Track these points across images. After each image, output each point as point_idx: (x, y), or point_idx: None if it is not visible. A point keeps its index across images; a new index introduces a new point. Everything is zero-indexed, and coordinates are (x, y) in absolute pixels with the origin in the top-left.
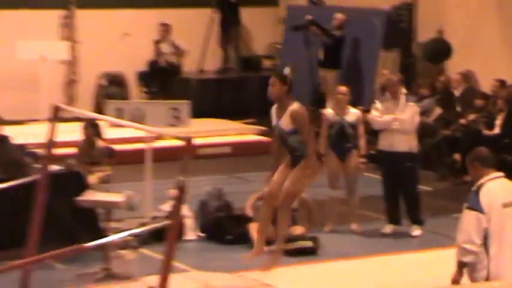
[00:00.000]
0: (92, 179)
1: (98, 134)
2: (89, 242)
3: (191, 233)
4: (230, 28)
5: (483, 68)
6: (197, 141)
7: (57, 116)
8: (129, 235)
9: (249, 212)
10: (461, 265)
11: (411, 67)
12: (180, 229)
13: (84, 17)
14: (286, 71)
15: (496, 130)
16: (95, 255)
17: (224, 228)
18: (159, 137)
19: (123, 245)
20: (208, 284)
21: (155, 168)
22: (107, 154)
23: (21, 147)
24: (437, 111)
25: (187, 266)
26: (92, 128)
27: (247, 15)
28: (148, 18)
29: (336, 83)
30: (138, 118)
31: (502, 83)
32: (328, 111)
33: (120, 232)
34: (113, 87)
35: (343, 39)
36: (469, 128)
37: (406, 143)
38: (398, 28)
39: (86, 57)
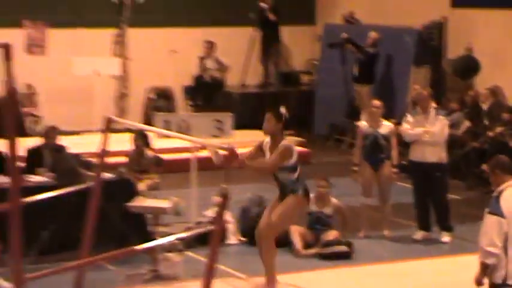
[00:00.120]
0: (141, 186)
1: (147, 144)
2: (138, 245)
3: (233, 237)
4: (270, 45)
5: (510, 84)
6: (239, 151)
7: (109, 127)
8: (176, 239)
9: None
10: (484, 266)
11: (441, 82)
12: (223, 234)
13: (135, 36)
14: (282, 110)
15: None
16: (144, 258)
17: None
18: (204, 147)
19: (170, 248)
20: None
21: (200, 176)
22: (155, 163)
23: (77, 156)
24: (466, 124)
25: (229, 269)
26: (142, 138)
27: (287, 33)
28: (194, 36)
29: (370, 97)
30: (184, 129)
31: None
32: (363, 124)
33: (167, 236)
34: (161, 101)
35: (376, 56)
36: (496, 140)
37: (436, 154)
38: (429, 46)
39: (136, 73)
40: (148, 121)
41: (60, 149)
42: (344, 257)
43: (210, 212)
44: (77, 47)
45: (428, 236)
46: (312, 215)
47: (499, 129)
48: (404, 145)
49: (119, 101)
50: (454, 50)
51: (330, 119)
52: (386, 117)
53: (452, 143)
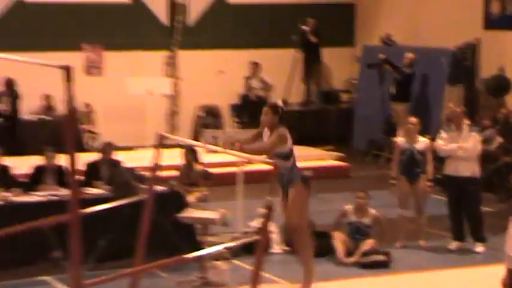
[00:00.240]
0: (191, 198)
1: (196, 159)
2: (188, 253)
3: (277, 246)
4: (312, 66)
5: None
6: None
7: (161, 143)
8: (223, 248)
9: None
10: (510, 273)
11: (474, 101)
12: (267, 243)
13: (185, 57)
14: (279, 102)
15: None
16: (193, 265)
17: None
18: (249, 162)
19: (218, 256)
20: None
21: (245, 189)
22: (203, 176)
23: (131, 170)
24: (498, 140)
25: (273, 276)
26: (191, 153)
27: (327, 54)
28: (240, 58)
29: (406, 115)
30: (231, 145)
31: None
32: (400, 140)
33: (215, 245)
34: (209, 118)
35: (412, 76)
36: None
37: (469, 169)
38: (462, 66)
39: (186, 92)
40: (197, 137)
41: (116, 163)
42: (382, 265)
43: (255, 223)
44: (132, 68)
45: (462, 246)
46: (352, 225)
47: None
48: (439, 160)
49: (170, 118)
50: (486, 70)
51: (369, 135)
52: (422, 133)
53: (485, 158)
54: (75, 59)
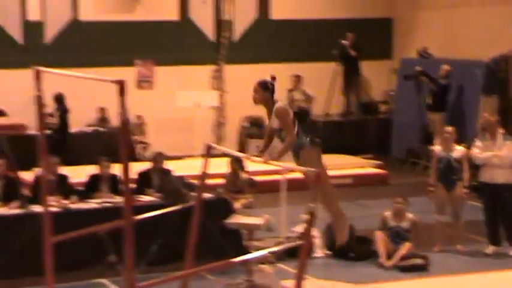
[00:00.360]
0: (237, 205)
1: (242, 168)
2: (235, 257)
3: (319, 251)
4: (351, 78)
5: None
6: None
7: (208, 153)
8: (268, 252)
9: None
10: None
11: (508, 110)
12: (310, 248)
13: (231, 71)
14: (267, 78)
15: None
16: (240, 269)
17: (347, 247)
18: (292, 170)
19: (263, 260)
20: None
21: (289, 196)
22: (249, 184)
23: (180, 178)
24: None
25: (316, 279)
26: (237, 162)
27: (366, 67)
28: (283, 71)
29: (443, 124)
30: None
31: None
32: (437, 148)
33: (260, 250)
34: (253, 128)
35: (448, 87)
36: None
37: (504, 176)
38: (496, 77)
39: (231, 104)
40: (242, 147)
41: (167, 172)
42: (420, 269)
43: (299, 228)
44: (180, 82)
45: (498, 250)
46: (392, 229)
47: None
48: (475, 168)
49: (217, 129)
50: None
51: (406, 144)
52: (458, 142)
53: None
54: (127, 74)
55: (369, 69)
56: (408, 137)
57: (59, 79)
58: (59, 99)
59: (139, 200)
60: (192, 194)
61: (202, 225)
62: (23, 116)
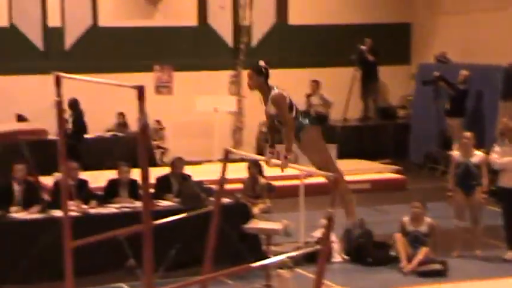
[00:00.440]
0: (255, 210)
1: (260, 172)
2: (254, 262)
3: (337, 256)
4: (369, 83)
5: None
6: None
7: (227, 158)
8: (286, 257)
9: None
10: None
11: None
12: (329, 253)
13: None
14: (261, 63)
15: None
16: (258, 274)
17: (365, 252)
18: (311, 175)
19: (281, 265)
20: None
21: (307, 201)
22: (267, 189)
23: (199, 183)
24: None
25: (334, 284)
26: (255, 167)
27: (384, 72)
28: (301, 76)
29: (461, 129)
30: (293, 159)
31: None
32: (455, 153)
33: (278, 254)
34: (272, 133)
35: (467, 92)
36: None
37: None
38: None
39: (250, 109)
40: (260, 151)
41: (186, 177)
42: (439, 274)
43: (317, 233)
44: (199, 87)
45: None
46: (410, 234)
47: None
48: (494, 173)
49: (235, 134)
50: None
51: (424, 149)
52: (477, 147)
53: None
54: (146, 79)
55: (387, 74)
56: (426, 142)
57: (78, 84)
58: (73, 104)
59: (158, 205)
60: (211, 198)
61: (220, 230)
62: (44, 121)
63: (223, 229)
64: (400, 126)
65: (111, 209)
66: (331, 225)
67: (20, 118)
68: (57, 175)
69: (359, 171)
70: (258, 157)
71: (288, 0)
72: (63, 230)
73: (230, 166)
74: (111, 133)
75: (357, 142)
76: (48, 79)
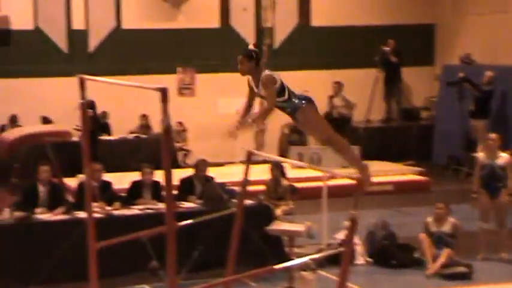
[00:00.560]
0: (278, 211)
1: (283, 174)
2: (276, 264)
3: (360, 258)
4: (393, 85)
5: None
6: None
7: (249, 159)
8: (309, 259)
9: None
10: None
11: None
12: (352, 255)
13: None
14: (251, 46)
15: None
16: (281, 276)
17: (389, 255)
18: (333, 177)
19: (304, 267)
20: None
21: (330, 202)
22: (290, 191)
23: (222, 185)
24: None
25: (357, 286)
26: (278, 169)
27: (407, 73)
28: (324, 77)
29: (486, 131)
30: (316, 161)
31: None
32: (480, 155)
33: (301, 256)
34: (294, 135)
35: (491, 93)
36: None
37: None
38: None
39: None
40: (283, 153)
41: (209, 179)
42: (464, 277)
43: (340, 235)
44: (221, 89)
45: None
46: (434, 235)
47: None
48: None
49: (257, 136)
50: None
51: (448, 151)
52: (502, 149)
53: None
54: (169, 81)
55: (411, 76)
56: (450, 144)
57: (102, 87)
58: (89, 106)
59: (181, 207)
60: (233, 200)
61: (243, 232)
62: (68, 123)
63: (246, 231)
64: (423, 127)
65: (134, 210)
66: (355, 227)
67: (45, 120)
68: (81, 177)
69: (382, 172)
70: (281, 159)
71: (311, 1)
72: (87, 231)
73: (252, 168)
74: (134, 135)
75: (380, 144)
76: (73, 81)
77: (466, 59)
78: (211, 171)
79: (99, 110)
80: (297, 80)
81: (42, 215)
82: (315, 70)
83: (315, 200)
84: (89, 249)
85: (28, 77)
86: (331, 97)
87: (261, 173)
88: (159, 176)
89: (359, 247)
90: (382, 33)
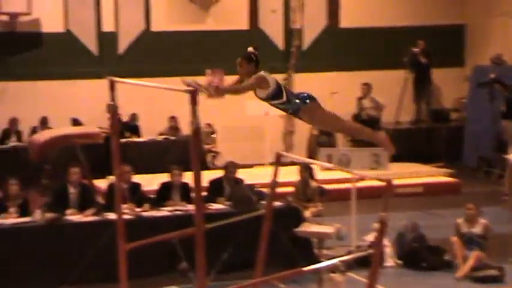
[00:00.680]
0: (307, 213)
1: (311, 176)
2: (305, 266)
3: (390, 260)
4: (422, 86)
5: None
6: (395, 182)
7: (278, 161)
8: (338, 261)
9: None
10: None
11: None
12: (381, 257)
13: (300, 79)
14: (250, 49)
15: None
16: (310, 278)
17: (419, 257)
18: (363, 178)
19: (333, 269)
20: None
21: (359, 204)
22: (319, 193)
23: (251, 186)
24: None
25: None
26: (306, 170)
27: (437, 75)
28: (353, 79)
29: None
30: (345, 162)
31: None
32: None
33: (330, 258)
34: (323, 137)
35: None
36: None
37: None
38: None
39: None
40: (312, 155)
41: (238, 181)
42: (495, 280)
43: (369, 237)
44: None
45: None
46: (465, 236)
47: None
48: None
49: (286, 137)
50: None
51: (479, 152)
52: None
53: None
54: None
55: (441, 77)
56: (480, 145)
57: (131, 88)
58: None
59: (210, 208)
60: (262, 202)
61: (272, 234)
62: (98, 125)
63: (275, 233)
64: (453, 129)
65: (163, 212)
66: (384, 229)
67: (75, 122)
68: (111, 178)
69: (411, 174)
70: (310, 160)
71: (340, 3)
72: (117, 232)
73: (281, 169)
74: (163, 137)
75: (409, 145)
76: (102, 83)
77: (497, 60)
78: (240, 173)
79: (129, 112)
80: (325, 82)
81: (73, 216)
82: (344, 71)
83: (343, 201)
84: (118, 250)
85: (58, 79)
86: (360, 99)
87: (289, 174)
88: (188, 177)
89: (388, 249)
90: (411, 34)
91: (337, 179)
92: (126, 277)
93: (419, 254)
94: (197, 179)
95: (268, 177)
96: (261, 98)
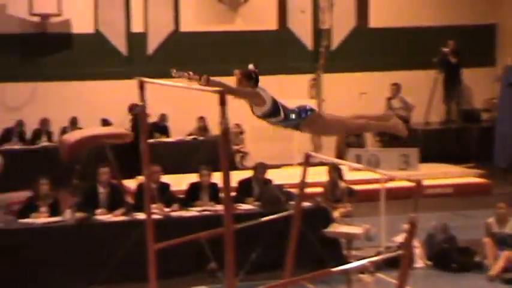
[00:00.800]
0: (335, 214)
1: (340, 176)
2: (334, 266)
3: (420, 261)
4: (452, 86)
5: None
6: (424, 182)
7: (307, 161)
8: (368, 262)
9: None
10: None
11: None
12: (411, 258)
13: (329, 80)
14: (250, 66)
15: None
16: (339, 278)
17: (449, 258)
18: (392, 179)
19: (362, 270)
20: None
21: (388, 205)
22: (348, 193)
23: (279, 187)
24: None
25: None
26: (335, 171)
27: (467, 75)
28: (382, 79)
29: None
30: (374, 163)
31: None
32: None
33: (359, 259)
34: (352, 137)
35: None
36: None
37: None
38: None
39: (329, 112)
40: (340, 156)
41: (267, 181)
42: None
43: (399, 238)
44: (279, 91)
45: None
46: (496, 236)
47: None
48: None
49: (315, 137)
50: None
51: (510, 153)
52: None
53: None
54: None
55: (471, 77)
56: (505, 146)
57: (160, 89)
58: (133, 109)
59: (239, 209)
60: (291, 202)
61: (301, 234)
62: (127, 126)
63: (304, 233)
64: (484, 129)
65: (192, 212)
66: (414, 229)
67: (105, 122)
68: (140, 178)
69: (442, 175)
70: (338, 161)
71: (369, 3)
72: (146, 232)
73: (310, 170)
74: (192, 137)
75: (439, 146)
76: (132, 84)
77: None
78: (268, 173)
79: (158, 112)
80: (354, 82)
81: (102, 216)
82: (373, 72)
83: (372, 202)
84: (147, 250)
85: (88, 79)
86: (389, 99)
87: (318, 175)
88: (216, 177)
89: (418, 250)
90: (441, 33)
91: (366, 180)
92: (155, 277)
93: (449, 255)
94: (226, 179)
95: (297, 178)
96: (258, 116)
